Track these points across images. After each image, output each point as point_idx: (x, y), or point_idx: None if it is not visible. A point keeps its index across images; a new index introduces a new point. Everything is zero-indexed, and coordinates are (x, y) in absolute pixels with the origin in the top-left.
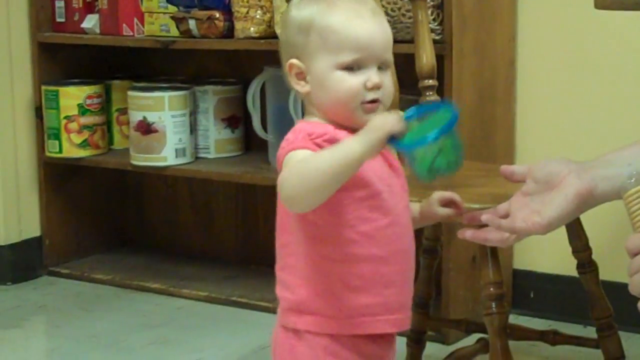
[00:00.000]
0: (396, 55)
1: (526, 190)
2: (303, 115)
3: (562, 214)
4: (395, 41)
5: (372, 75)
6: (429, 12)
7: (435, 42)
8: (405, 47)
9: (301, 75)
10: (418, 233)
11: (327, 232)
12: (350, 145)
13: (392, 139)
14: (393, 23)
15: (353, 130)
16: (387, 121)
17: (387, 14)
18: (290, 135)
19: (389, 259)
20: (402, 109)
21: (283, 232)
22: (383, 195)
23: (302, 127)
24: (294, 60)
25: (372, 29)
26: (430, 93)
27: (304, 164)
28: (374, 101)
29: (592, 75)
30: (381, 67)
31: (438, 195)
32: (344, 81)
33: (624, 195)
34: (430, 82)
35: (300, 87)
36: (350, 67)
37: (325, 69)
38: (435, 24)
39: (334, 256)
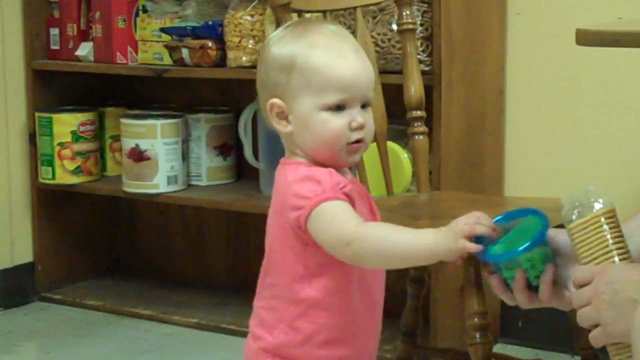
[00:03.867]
0: (385, 86)
1: None
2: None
3: None
4: (385, 72)
5: (356, 116)
6: (418, 43)
7: (424, 73)
8: (395, 78)
9: (282, 115)
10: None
11: (321, 278)
12: (433, 240)
13: (480, 244)
14: (382, 54)
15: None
16: (471, 227)
17: (376, 44)
18: (313, 187)
19: (361, 311)
20: (391, 139)
21: (271, 272)
22: None
23: (321, 176)
24: (275, 100)
25: (356, 68)
26: (419, 124)
27: (383, 234)
28: (358, 141)
29: (580, 106)
30: (364, 106)
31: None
32: (329, 122)
33: (567, 227)
34: (419, 113)
35: (282, 127)
36: (334, 108)
37: (308, 110)
38: (425, 55)
39: (321, 304)
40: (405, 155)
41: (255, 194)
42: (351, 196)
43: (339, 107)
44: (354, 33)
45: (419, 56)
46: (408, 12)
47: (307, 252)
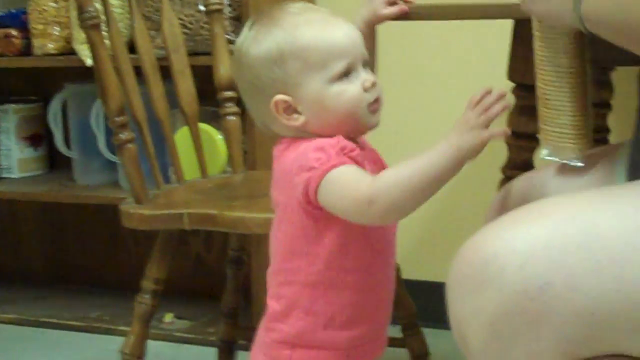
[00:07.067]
0: (195, 68)
1: None
2: None
3: None
4: (194, 54)
5: (365, 76)
6: (227, 23)
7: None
8: (204, 59)
9: (290, 109)
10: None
11: (338, 257)
12: (453, 148)
13: None
14: (191, 35)
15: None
16: (486, 115)
17: (184, 26)
18: (318, 155)
19: (380, 284)
20: (205, 121)
21: (278, 258)
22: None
23: (325, 143)
24: (278, 97)
25: (346, 30)
26: (230, 104)
27: (400, 175)
28: (376, 100)
29: (409, 80)
30: (365, 66)
31: None
32: (344, 92)
33: None
34: (229, 93)
35: (294, 121)
36: (342, 76)
37: (318, 89)
38: (234, 35)
39: (340, 284)
40: (220, 136)
41: (69, 183)
42: (358, 161)
43: (345, 74)
44: (160, 15)
45: (228, 37)
46: None
47: (319, 230)
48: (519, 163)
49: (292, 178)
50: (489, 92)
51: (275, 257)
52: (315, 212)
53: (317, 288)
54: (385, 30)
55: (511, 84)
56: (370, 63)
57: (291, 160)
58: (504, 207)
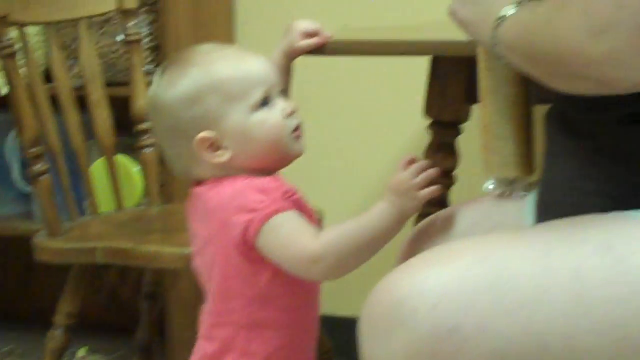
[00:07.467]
0: (113, 98)
1: None
2: None
3: None
4: (112, 84)
5: (283, 104)
6: (147, 54)
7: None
8: (122, 90)
9: (215, 146)
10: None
11: (275, 297)
12: (394, 211)
13: None
14: (110, 66)
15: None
16: (423, 179)
17: (103, 56)
18: (260, 197)
19: (309, 326)
20: (120, 152)
21: (209, 299)
22: None
23: (268, 185)
24: (202, 135)
25: (259, 61)
26: (147, 137)
27: (344, 239)
28: (298, 127)
29: (310, 114)
30: (282, 95)
31: (302, 28)
32: (266, 120)
33: None
34: (147, 125)
35: (220, 157)
36: (262, 104)
37: (241, 120)
38: (154, 66)
39: (275, 325)
40: (137, 168)
41: None
42: (299, 205)
43: (265, 103)
44: (78, 45)
45: (147, 67)
46: (133, 23)
47: (255, 270)
48: (434, 200)
49: (227, 216)
50: (415, 159)
51: (209, 296)
52: (252, 254)
53: (252, 330)
54: (301, 65)
55: (427, 121)
56: (285, 95)
57: (227, 197)
58: (416, 248)
